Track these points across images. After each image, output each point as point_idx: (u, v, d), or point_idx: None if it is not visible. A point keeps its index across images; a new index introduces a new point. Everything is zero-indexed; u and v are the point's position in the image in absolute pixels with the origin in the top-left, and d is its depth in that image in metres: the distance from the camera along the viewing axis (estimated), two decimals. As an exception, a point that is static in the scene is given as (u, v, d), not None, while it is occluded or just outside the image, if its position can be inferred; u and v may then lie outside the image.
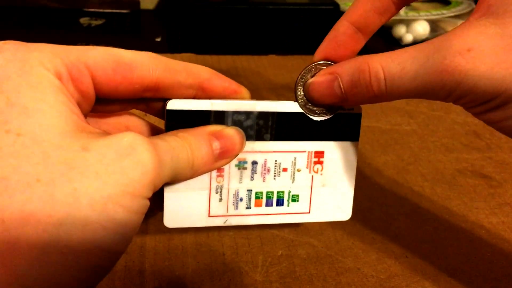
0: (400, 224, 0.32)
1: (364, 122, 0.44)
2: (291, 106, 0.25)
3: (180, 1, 0.58)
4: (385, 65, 0.21)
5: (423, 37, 0.64)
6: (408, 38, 0.63)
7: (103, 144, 0.18)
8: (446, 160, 0.40)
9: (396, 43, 0.64)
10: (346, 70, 0.22)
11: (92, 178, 0.17)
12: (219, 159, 0.22)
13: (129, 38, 0.62)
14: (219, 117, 0.23)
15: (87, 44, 0.58)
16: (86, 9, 0.71)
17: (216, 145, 0.22)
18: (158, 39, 0.62)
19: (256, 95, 0.48)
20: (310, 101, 0.25)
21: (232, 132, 0.23)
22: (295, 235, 0.31)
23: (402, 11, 0.62)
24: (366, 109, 0.47)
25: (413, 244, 0.31)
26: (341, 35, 0.24)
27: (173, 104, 0.23)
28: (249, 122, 0.24)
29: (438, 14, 0.62)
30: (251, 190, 0.25)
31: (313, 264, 0.29)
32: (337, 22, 0.24)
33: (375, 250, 0.30)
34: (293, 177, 0.26)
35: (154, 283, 0.27)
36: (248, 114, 0.24)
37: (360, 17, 0.23)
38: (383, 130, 0.44)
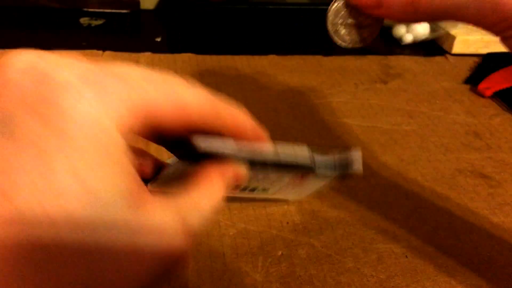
0: (400, 224, 0.32)
1: (364, 122, 0.45)
2: (306, 161, 0.24)
3: (180, 1, 0.58)
4: None
5: (423, 37, 0.64)
6: (408, 38, 0.63)
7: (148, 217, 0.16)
8: (446, 160, 0.40)
9: (396, 43, 0.64)
10: None
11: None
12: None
13: (129, 38, 0.62)
14: (240, 159, 0.23)
15: (87, 44, 0.58)
16: (86, 9, 0.70)
17: (228, 182, 0.22)
18: (158, 39, 0.62)
19: (256, 95, 0.48)
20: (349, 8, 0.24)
21: (244, 172, 0.22)
22: (295, 235, 0.31)
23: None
24: (366, 109, 0.47)
25: (413, 244, 0.31)
26: None
27: (200, 143, 0.21)
28: (267, 168, 0.24)
29: (438, 14, 0.62)
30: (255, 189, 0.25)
31: (313, 264, 0.29)
32: None
33: (375, 250, 0.30)
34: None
35: (154, 283, 0.27)
36: (268, 162, 0.23)
37: None
38: (383, 130, 0.44)
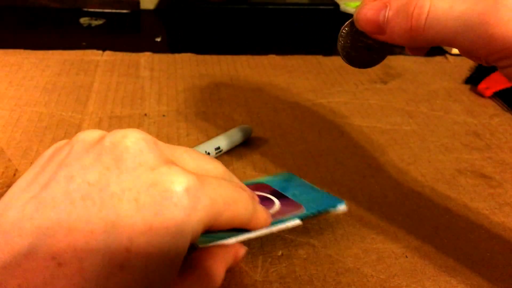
0: (400, 224, 0.32)
1: (364, 122, 0.45)
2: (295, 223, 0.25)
3: (180, 1, 0.58)
4: (434, 1, 0.21)
5: (423, 37, 0.64)
6: (408, 38, 0.63)
7: None
8: (446, 160, 0.40)
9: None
10: (398, 0, 0.23)
11: None
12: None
13: (129, 38, 0.62)
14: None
15: (87, 44, 0.58)
16: (86, 9, 0.70)
17: (228, 264, 0.24)
18: (158, 39, 0.62)
19: (256, 95, 0.48)
20: (354, 31, 0.25)
21: (244, 251, 0.24)
22: (295, 235, 0.31)
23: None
24: (366, 109, 0.47)
25: (413, 244, 0.31)
26: None
27: (199, 244, 0.22)
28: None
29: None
30: None
31: (313, 264, 0.29)
32: None
33: (375, 250, 0.30)
34: None
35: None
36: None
37: None
38: (383, 130, 0.44)
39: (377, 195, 0.35)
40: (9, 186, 0.33)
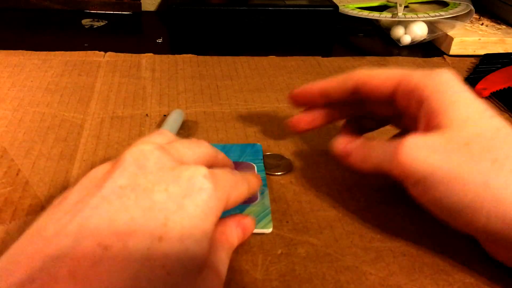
0: (398, 222, 0.33)
1: (363, 123, 0.45)
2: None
3: (181, 3, 0.58)
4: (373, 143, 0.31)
5: (421, 38, 0.64)
6: (407, 39, 0.64)
7: None
8: (444, 160, 0.40)
9: (394, 44, 0.65)
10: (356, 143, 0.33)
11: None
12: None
13: (131, 40, 0.63)
14: None
15: (89, 45, 0.58)
16: (88, 11, 0.71)
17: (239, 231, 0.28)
18: (160, 40, 0.62)
19: (256, 96, 0.48)
20: None
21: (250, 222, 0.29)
22: (294, 234, 0.31)
23: (400, 13, 0.62)
24: (365, 109, 0.47)
25: (412, 242, 0.31)
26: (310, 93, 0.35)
27: None
28: None
29: (436, 16, 0.62)
30: None
31: (313, 263, 0.29)
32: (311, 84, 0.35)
33: (374, 249, 0.30)
34: None
35: (156, 281, 0.27)
36: None
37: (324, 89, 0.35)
38: (382, 130, 0.44)
39: (376, 194, 0.35)
40: (12, 185, 0.34)
